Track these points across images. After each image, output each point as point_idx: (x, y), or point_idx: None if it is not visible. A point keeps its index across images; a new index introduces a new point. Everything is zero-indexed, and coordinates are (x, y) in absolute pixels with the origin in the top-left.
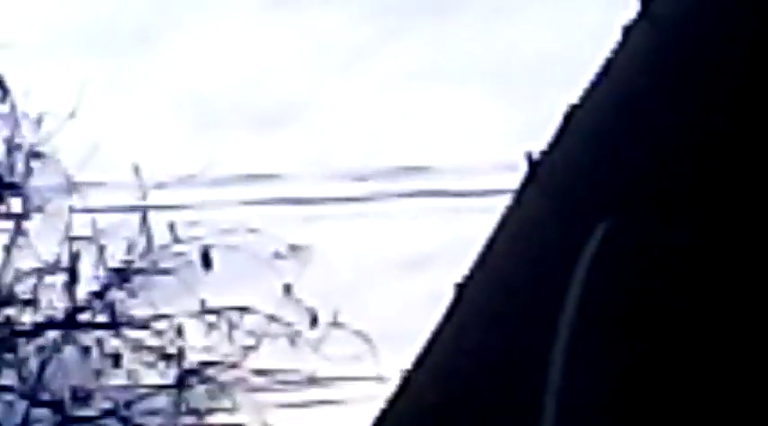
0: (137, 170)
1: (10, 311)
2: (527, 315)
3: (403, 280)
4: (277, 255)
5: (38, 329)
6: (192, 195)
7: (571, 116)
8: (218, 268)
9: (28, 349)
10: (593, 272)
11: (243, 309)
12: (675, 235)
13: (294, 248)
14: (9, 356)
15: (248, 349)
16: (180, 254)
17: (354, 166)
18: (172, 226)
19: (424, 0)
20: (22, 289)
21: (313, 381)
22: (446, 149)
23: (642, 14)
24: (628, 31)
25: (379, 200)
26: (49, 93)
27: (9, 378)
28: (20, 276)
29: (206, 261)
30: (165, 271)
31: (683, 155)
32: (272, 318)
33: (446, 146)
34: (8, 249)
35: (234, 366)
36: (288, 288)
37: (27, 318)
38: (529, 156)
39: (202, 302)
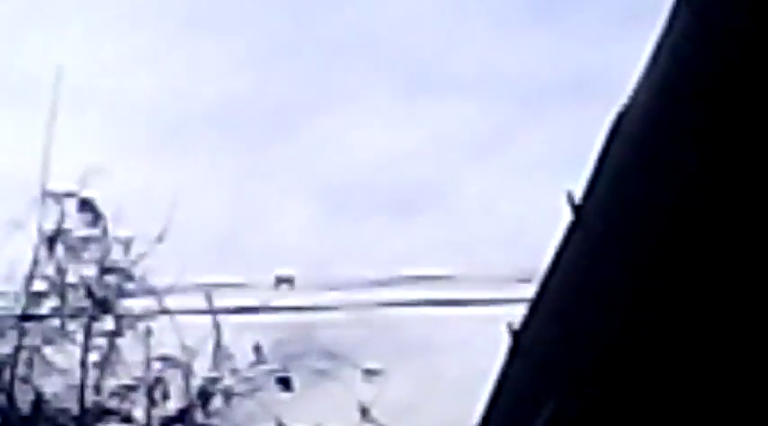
0: (209, 298)
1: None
2: None
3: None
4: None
5: None
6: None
7: (543, 293)
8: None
9: None
10: None
11: None
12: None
13: (369, 372)
14: None
15: None
16: (268, 371)
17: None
18: (258, 348)
19: (560, 86)
20: (115, 405)
21: None
22: None
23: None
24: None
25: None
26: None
27: None
28: (113, 392)
29: (285, 384)
30: (245, 392)
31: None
32: None
33: None
34: (101, 366)
35: None
36: (365, 411)
37: None
38: (510, 327)
39: (279, 423)
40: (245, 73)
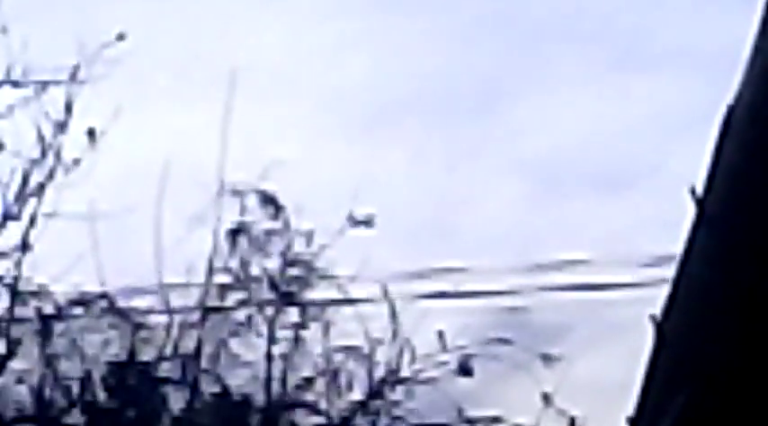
0: (385, 291)
1: (295, 416)
2: None
3: None
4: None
5: None
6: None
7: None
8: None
9: None
10: None
11: (495, 419)
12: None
13: (547, 357)
14: None
15: None
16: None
17: None
18: (441, 334)
19: None
20: (300, 396)
21: None
22: None
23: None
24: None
25: None
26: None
27: None
28: (298, 384)
29: (465, 371)
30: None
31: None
32: None
33: None
34: (286, 358)
35: None
36: (546, 397)
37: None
38: (653, 318)
39: (459, 411)
40: (450, 52)
